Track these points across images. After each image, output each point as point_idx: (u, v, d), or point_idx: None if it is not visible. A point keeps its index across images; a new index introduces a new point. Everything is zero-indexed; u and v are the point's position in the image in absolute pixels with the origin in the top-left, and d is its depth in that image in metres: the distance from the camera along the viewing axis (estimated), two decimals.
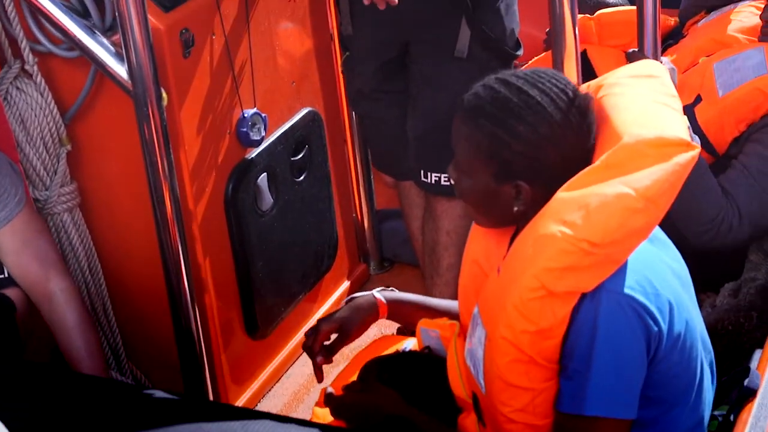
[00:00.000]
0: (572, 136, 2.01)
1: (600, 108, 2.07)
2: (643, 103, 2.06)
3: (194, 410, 2.05)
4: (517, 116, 1.99)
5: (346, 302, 2.54)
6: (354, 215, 3.97)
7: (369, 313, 2.50)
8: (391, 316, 2.53)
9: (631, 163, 1.93)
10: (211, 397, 3.08)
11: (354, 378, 2.44)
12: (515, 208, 2.05)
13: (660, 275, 2.01)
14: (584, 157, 2.02)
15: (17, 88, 3.00)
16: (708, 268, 3.13)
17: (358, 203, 3.98)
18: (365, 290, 3.83)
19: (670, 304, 2.00)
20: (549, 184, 2.00)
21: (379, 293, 2.51)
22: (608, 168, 1.94)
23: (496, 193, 2.05)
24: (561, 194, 1.95)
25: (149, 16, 2.66)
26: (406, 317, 2.55)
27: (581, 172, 1.96)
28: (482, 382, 2.11)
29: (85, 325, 2.83)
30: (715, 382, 2.25)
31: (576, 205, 1.92)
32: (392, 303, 2.51)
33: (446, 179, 3.22)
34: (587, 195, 1.92)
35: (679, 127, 2.00)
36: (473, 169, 2.06)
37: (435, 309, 2.51)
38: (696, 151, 1.97)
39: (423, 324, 2.51)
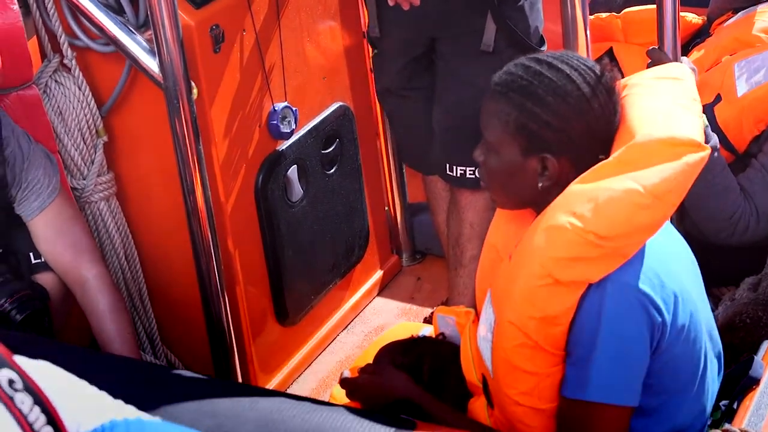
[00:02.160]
0: (599, 111, 2.06)
1: (621, 107, 2.12)
2: (661, 103, 2.12)
3: (211, 387, 2.13)
4: (547, 87, 2.05)
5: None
6: (386, 208, 4.05)
7: None
8: None
9: (642, 160, 1.98)
10: (240, 381, 3.17)
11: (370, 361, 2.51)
12: (540, 184, 2.09)
13: (666, 267, 2.06)
14: (609, 135, 2.07)
15: (56, 81, 3.11)
16: (729, 263, 3.18)
17: (390, 196, 4.05)
18: (397, 282, 3.97)
19: (675, 296, 2.04)
20: (575, 159, 2.06)
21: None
22: (620, 164, 2.00)
23: (522, 169, 2.10)
24: (573, 186, 2.01)
25: (180, 13, 2.77)
26: None
27: (594, 167, 2.02)
28: (490, 365, 2.17)
29: (118, 310, 2.92)
30: (722, 373, 2.29)
31: (586, 198, 1.97)
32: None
33: (471, 172, 3.28)
34: (597, 189, 1.97)
35: (691, 128, 2.05)
36: (501, 144, 2.11)
37: None
38: (706, 152, 2.02)
39: (440, 311, 2.58)
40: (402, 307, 3.88)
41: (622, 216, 1.95)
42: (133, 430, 1.43)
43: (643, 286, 2.00)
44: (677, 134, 2.00)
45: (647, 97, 2.13)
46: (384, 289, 3.99)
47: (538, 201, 2.11)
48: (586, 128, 2.05)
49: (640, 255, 2.02)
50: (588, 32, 2.66)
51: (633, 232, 1.97)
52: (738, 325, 2.97)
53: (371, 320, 3.82)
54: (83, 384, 1.48)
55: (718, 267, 2.83)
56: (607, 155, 2.05)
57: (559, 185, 2.06)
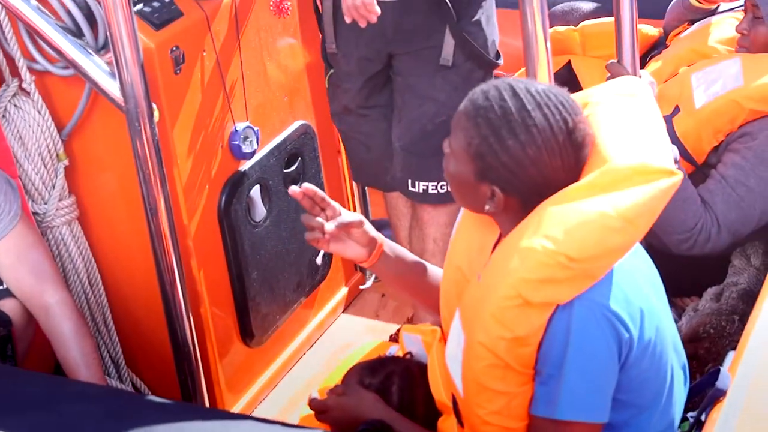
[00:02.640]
0: (557, 166, 2.05)
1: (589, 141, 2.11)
2: (629, 126, 2.12)
3: (179, 413, 2.12)
4: (511, 131, 2.04)
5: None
6: None
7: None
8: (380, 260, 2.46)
9: (614, 185, 2.00)
10: (207, 404, 3.15)
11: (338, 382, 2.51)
12: (486, 207, 2.11)
13: (631, 283, 2.07)
14: (565, 184, 2.06)
15: (15, 105, 3.09)
16: (691, 273, 3.20)
17: None
18: (361, 299, 3.97)
19: (641, 311, 2.06)
20: (523, 199, 2.07)
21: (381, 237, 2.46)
22: (592, 188, 2.01)
23: (473, 188, 2.11)
24: (546, 207, 2.02)
25: (140, 35, 2.75)
26: (394, 265, 2.49)
27: (567, 188, 2.03)
28: (460, 384, 2.17)
29: (82, 335, 2.90)
30: (687, 384, 2.31)
31: (557, 220, 1.98)
32: (388, 246, 2.47)
33: (434, 188, 3.29)
34: (569, 211, 1.98)
35: (663, 154, 2.07)
36: (460, 159, 2.12)
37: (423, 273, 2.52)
38: (678, 178, 2.03)
39: (406, 330, 2.59)
40: (367, 324, 3.88)
41: (593, 239, 1.95)
42: None
43: (611, 303, 2.01)
44: (650, 162, 2.02)
45: (613, 119, 2.14)
46: (349, 306, 3.99)
47: (494, 217, 2.13)
48: (540, 177, 2.05)
49: (607, 272, 2.03)
50: (549, 45, 2.67)
51: (603, 255, 1.98)
52: (702, 335, 3.00)
53: (337, 338, 3.82)
54: None
55: (681, 278, 2.85)
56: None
57: (507, 214, 2.09)
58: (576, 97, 2.20)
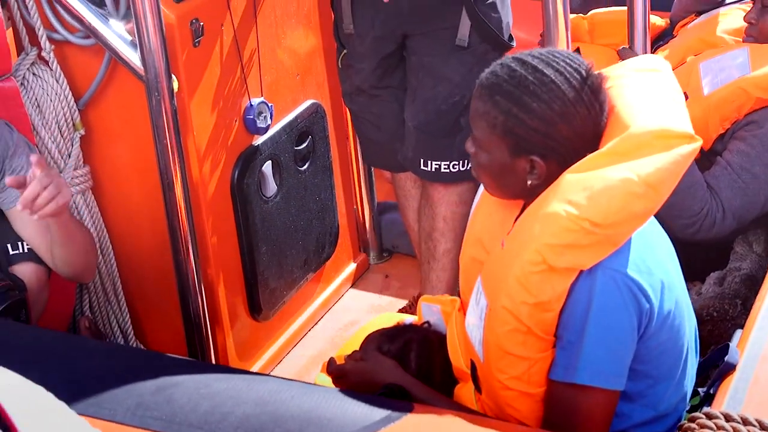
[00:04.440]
0: (584, 114, 2.09)
1: (608, 101, 2.16)
2: (650, 95, 2.16)
3: (203, 371, 2.14)
4: (532, 94, 2.07)
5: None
6: (355, 207, 4.09)
7: None
8: None
9: (636, 151, 2.03)
10: None
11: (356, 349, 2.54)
12: (529, 182, 2.13)
13: (654, 255, 2.11)
14: (596, 134, 2.11)
15: (34, 74, 3.12)
16: (695, 259, 3.24)
17: (359, 195, 4.09)
18: (366, 279, 4.01)
19: (662, 283, 2.09)
20: (562, 160, 2.10)
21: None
22: (614, 154, 2.04)
23: (511, 168, 2.14)
24: (568, 175, 2.05)
25: (161, 6, 2.78)
26: None
27: (588, 156, 2.06)
28: (480, 350, 2.20)
29: (79, 233, 2.88)
30: (698, 358, 2.35)
31: (581, 186, 2.01)
32: None
33: (446, 167, 3.32)
34: (592, 177, 2.01)
35: (683, 120, 2.10)
36: (490, 144, 2.14)
37: None
38: (698, 144, 2.07)
39: (425, 300, 2.61)
40: (372, 303, 3.92)
41: (616, 204, 1.98)
42: None
43: (632, 272, 2.04)
44: (670, 126, 2.05)
45: (634, 89, 2.17)
46: (353, 285, 4.03)
47: (529, 194, 2.15)
48: (571, 131, 2.09)
49: (628, 243, 2.06)
50: (569, 32, 2.71)
51: (626, 221, 2.01)
52: (705, 318, 3.04)
53: (342, 315, 3.86)
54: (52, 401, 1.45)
55: (684, 262, 2.88)
56: (595, 150, 2.09)
57: (549, 182, 2.10)
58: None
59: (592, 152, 2.09)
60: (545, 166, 2.11)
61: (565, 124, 2.08)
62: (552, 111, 2.07)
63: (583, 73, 2.10)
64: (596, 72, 2.13)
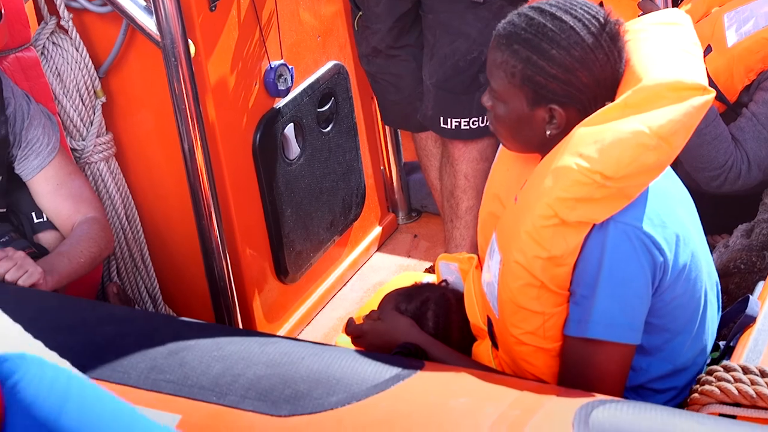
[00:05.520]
0: (603, 60, 2.08)
1: (626, 52, 2.14)
2: (666, 48, 2.13)
3: (216, 333, 2.16)
4: (551, 40, 2.07)
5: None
6: (382, 167, 4.08)
7: None
8: None
9: (648, 103, 2.01)
10: None
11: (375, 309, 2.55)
12: (548, 132, 2.12)
13: (668, 208, 2.09)
14: (614, 81, 2.10)
15: (54, 43, 3.14)
16: (722, 211, 3.22)
17: (385, 155, 4.08)
18: (394, 240, 4.01)
19: (677, 236, 2.07)
20: (582, 108, 2.09)
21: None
22: (626, 107, 2.02)
23: (529, 118, 2.13)
24: (580, 129, 2.03)
25: None
26: None
27: (600, 110, 2.04)
28: (496, 306, 2.20)
29: (88, 237, 2.87)
30: (720, 311, 2.33)
31: (592, 139, 1.99)
32: None
33: (465, 124, 3.31)
34: (604, 130, 2.00)
35: (697, 72, 2.07)
36: (508, 94, 2.13)
37: None
38: (711, 96, 2.04)
39: (442, 258, 2.61)
40: (400, 264, 3.93)
41: (628, 157, 1.97)
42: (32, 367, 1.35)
43: (646, 226, 2.03)
44: (683, 78, 2.02)
45: (651, 42, 2.15)
46: (381, 246, 4.04)
47: (547, 146, 2.13)
48: (591, 78, 2.08)
49: (643, 196, 2.05)
50: None
51: (638, 173, 1.99)
52: (732, 270, 3.02)
53: (370, 277, 3.87)
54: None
55: (711, 215, 2.86)
56: (612, 101, 2.08)
57: (567, 132, 2.08)
58: None
59: (610, 100, 2.08)
60: (565, 114, 2.09)
61: (585, 70, 2.07)
62: (572, 57, 2.06)
63: (601, 19, 2.09)
64: (614, 19, 2.12)
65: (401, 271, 3.86)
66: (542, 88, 2.09)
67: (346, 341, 2.51)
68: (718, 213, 3.15)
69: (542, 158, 2.16)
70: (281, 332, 3.55)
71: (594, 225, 2.03)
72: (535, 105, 2.11)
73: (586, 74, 2.07)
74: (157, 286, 3.47)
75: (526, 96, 2.11)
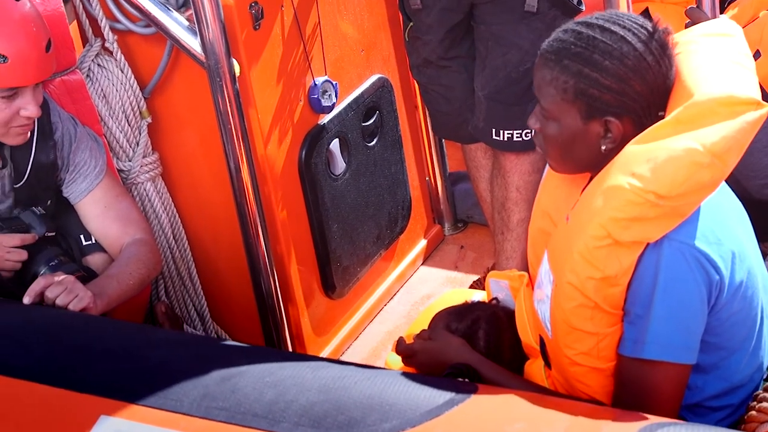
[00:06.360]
0: (656, 68, 2.05)
1: (675, 63, 2.11)
2: (716, 61, 2.10)
3: (268, 358, 2.15)
4: (603, 51, 2.04)
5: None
6: (427, 178, 4.07)
7: None
8: None
9: (701, 119, 1.98)
10: None
11: (425, 327, 2.53)
12: (603, 147, 2.09)
13: (723, 224, 2.06)
14: (666, 90, 2.07)
15: (99, 65, 3.15)
16: None
17: (430, 166, 4.06)
18: (440, 251, 4.00)
19: (733, 254, 2.04)
20: (636, 118, 2.06)
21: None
22: (678, 123, 1.99)
23: (584, 134, 2.10)
24: (631, 147, 2.01)
25: None
26: None
27: (651, 127, 2.02)
28: (549, 326, 2.19)
29: (137, 260, 2.86)
30: None
31: (645, 158, 1.97)
32: None
33: (518, 136, 3.29)
34: (656, 148, 1.97)
35: (750, 86, 2.04)
36: (560, 111, 2.11)
37: None
38: (765, 110, 2.01)
39: (492, 275, 2.59)
40: (447, 276, 3.91)
41: (681, 175, 1.94)
42: None
43: (700, 244, 2.00)
44: (736, 92, 2.00)
45: (701, 55, 2.12)
46: (428, 258, 4.02)
47: (599, 164, 2.10)
48: (644, 86, 2.05)
49: (697, 213, 2.02)
50: None
51: (692, 191, 1.97)
52: None
53: (417, 289, 3.85)
54: None
55: (762, 222, 2.83)
56: (664, 111, 2.05)
57: (622, 146, 2.05)
58: None
59: (662, 110, 2.06)
60: (621, 126, 2.07)
61: (638, 78, 2.05)
62: (625, 66, 2.04)
63: (650, 28, 2.08)
64: (662, 27, 2.10)
65: (448, 282, 3.85)
66: (596, 100, 2.06)
67: (396, 360, 2.50)
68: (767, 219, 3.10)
69: (592, 177, 2.14)
70: (329, 347, 3.55)
71: (648, 244, 2.00)
72: (589, 119, 2.08)
73: (640, 83, 2.05)
74: (205, 304, 3.47)
75: (579, 111, 2.08)
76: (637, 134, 2.03)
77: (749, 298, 2.11)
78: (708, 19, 2.80)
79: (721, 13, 3.28)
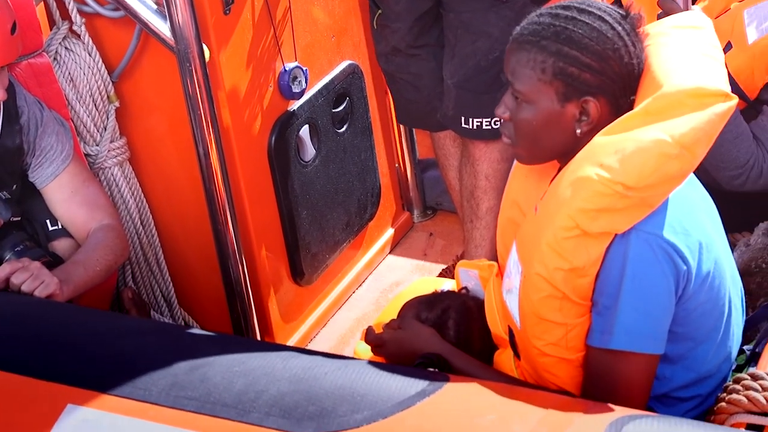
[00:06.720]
0: (632, 49, 2.07)
1: (645, 53, 2.12)
2: (686, 53, 2.11)
3: (238, 347, 2.14)
4: (583, 30, 2.05)
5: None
6: (397, 165, 4.06)
7: None
8: None
9: (669, 111, 1.98)
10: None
11: (394, 317, 2.52)
12: (578, 131, 2.09)
13: (691, 215, 2.07)
14: (638, 74, 2.08)
15: (66, 48, 3.11)
16: (742, 209, 3.19)
17: (400, 153, 4.06)
18: (409, 239, 3.99)
19: (700, 244, 2.05)
20: (613, 100, 2.07)
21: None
22: (647, 114, 1.99)
23: (559, 116, 2.09)
24: (599, 138, 2.01)
25: None
26: None
27: (620, 118, 2.02)
28: (517, 317, 2.19)
29: (104, 246, 2.84)
30: (744, 317, 2.31)
31: (613, 149, 1.97)
32: None
33: (487, 124, 3.28)
34: (624, 139, 1.97)
35: (719, 78, 2.04)
36: (537, 93, 2.09)
37: None
38: (733, 102, 2.01)
39: (462, 265, 2.59)
40: (415, 264, 3.91)
41: (650, 166, 1.94)
42: None
43: (668, 234, 2.00)
44: (705, 84, 2.00)
45: (671, 47, 2.13)
46: (396, 246, 4.02)
47: (569, 151, 2.10)
48: (622, 67, 2.06)
49: (665, 204, 2.02)
50: None
51: (661, 183, 1.97)
52: (754, 270, 2.99)
53: (385, 277, 3.85)
54: None
55: (732, 213, 2.84)
56: (635, 95, 2.06)
57: (596, 130, 2.05)
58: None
59: (633, 95, 2.07)
60: (598, 106, 2.06)
61: (617, 58, 2.06)
62: (605, 45, 2.05)
63: (622, 12, 2.10)
64: (633, 12, 2.11)
65: (417, 270, 3.84)
66: (575, 80, 2.06)
67: (365, 349, 2.49)
68: (738, 211, 3.11)
69: (560, 167, 2.14)
70: (298, 334, 3.54)
71: (616, 235, 2.01)
72: (566, 100, 2.08)
73: (618, 63, 2.06)
74: (173, 290, 3.45)
75: (556, 92, 2.08)
76: (612, 118, 2.04)
77: (716, 288, 2.12)
78: (680, 10, 2.81)
79: (693, 4, 3.30)
